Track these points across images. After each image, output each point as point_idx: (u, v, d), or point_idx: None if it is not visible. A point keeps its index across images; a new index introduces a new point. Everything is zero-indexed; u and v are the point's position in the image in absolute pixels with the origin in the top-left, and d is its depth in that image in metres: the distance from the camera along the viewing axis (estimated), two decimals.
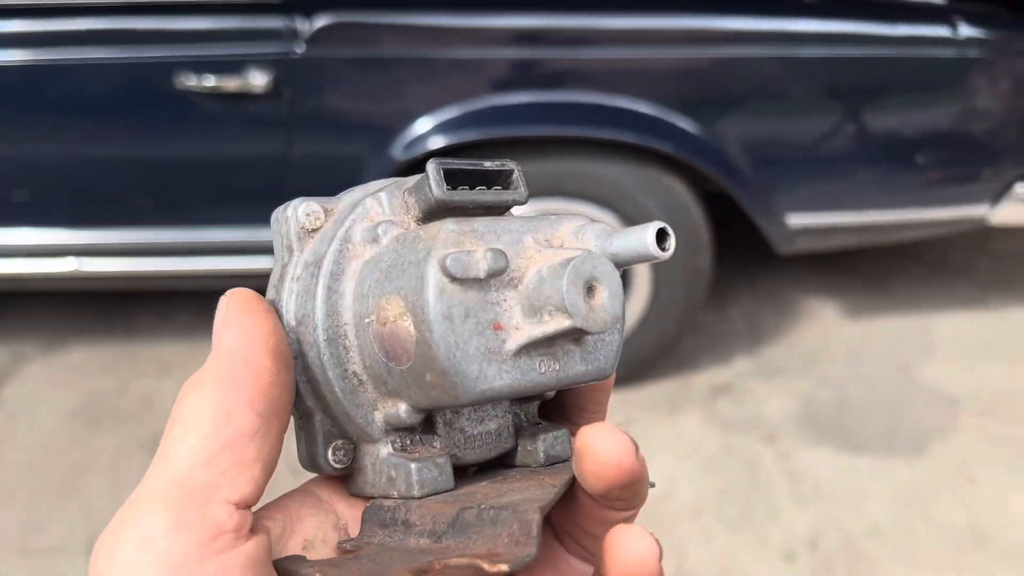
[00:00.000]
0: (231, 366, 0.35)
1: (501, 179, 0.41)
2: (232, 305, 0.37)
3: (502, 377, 0.36)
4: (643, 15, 2.45)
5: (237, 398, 0.35)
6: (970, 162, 2.60)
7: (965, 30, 2.42)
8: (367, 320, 0.37)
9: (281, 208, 0.40)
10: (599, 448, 0.35)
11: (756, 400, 2.75)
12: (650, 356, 2.71)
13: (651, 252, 0.36)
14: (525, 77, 2.46)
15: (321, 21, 2.28)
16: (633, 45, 2.45)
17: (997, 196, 2.58)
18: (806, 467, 2.49)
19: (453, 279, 0.35)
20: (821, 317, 3.11)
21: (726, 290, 3.21)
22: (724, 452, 2.55)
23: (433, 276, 0.35)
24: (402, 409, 0.38)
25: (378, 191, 0.41)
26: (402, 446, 0.39)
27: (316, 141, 2.40)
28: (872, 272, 3.27)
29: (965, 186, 2.61)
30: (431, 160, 0.38)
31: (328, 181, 2.11)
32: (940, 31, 2.43)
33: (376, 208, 0.40)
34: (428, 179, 0.38)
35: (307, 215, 0.40)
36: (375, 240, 0.39)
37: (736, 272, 3.20)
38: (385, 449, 0.39)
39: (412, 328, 0.35)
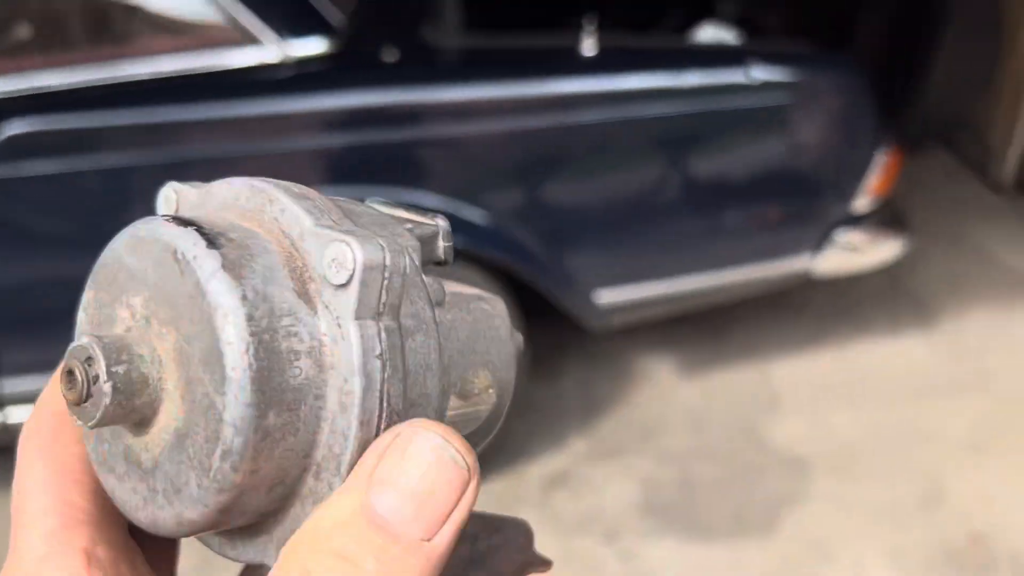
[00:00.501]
0: None
1: None
2: None
3: None
4: (414, 89, 2.14)
5: None
6: (786, 213, 2.41)
7: (759, 73, 2.21)
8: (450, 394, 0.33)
9: (325, 245, 0.28)
10: None
11: (594, 489, 2.48)
12: (478, 454, 2.40)
13: None
14: (292, 172, 2.11)
15: (10, 130, 1.86)
16: (407, 127, 2.13)
17: (818, 246, 2.39)
18: (652, 567, 2.24)
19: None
20: (658, 377, 2.88)
21: (558, 356, 2.94)
22: (562, 560, 2.27)
23: (518, 352, 0.36)
24: None
25: (385, 236, 0.31)
26: None
27: (21, 270, 1.98)
28: (707, 316, 3.06)
29: (784, 238, 2.42)
30: (441, 216, 0.35)
31: (59, 307, 1.71)
32: (734, 77, 2.21)
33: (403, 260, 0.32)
34: (441, 240, 0.35)
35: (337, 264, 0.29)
36: (439, 304, 0.33)
37: (568, 334, 2.92)
38: None
39: (495, 398, 0.35)
